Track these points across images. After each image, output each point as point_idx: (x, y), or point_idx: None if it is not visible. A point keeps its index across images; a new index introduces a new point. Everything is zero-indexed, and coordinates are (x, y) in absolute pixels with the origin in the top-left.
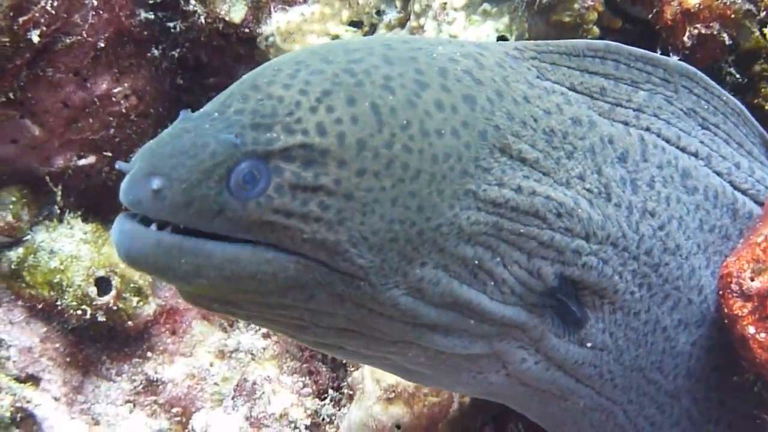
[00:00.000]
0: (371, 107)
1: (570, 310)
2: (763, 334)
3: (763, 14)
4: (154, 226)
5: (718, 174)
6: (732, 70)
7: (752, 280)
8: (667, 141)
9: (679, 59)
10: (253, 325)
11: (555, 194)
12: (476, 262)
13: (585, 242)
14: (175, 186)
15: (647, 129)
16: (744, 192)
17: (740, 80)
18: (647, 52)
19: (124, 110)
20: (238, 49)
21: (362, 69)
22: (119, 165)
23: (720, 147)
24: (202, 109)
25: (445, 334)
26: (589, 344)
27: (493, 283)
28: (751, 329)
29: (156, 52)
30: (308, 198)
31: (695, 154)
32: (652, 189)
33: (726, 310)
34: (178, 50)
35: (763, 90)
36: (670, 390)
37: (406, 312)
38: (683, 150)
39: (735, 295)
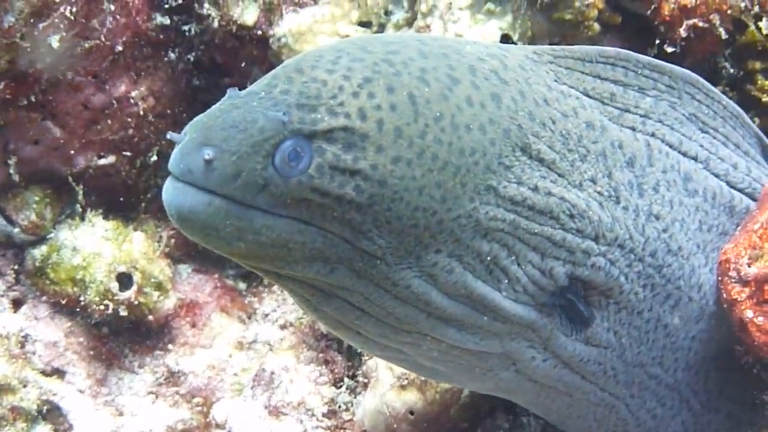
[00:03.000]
0: (408, 97)
1: (578, 310)
2: (761, 318)
3: (757, 8)
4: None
5: (716, 175)
6: (727, 64)
7: (749, 266)
8: (670, 146)
9: (676, 52)
10: (270, 317)
11: (569, 195)
12: (490, 258)
13: (595, 243)
14: (226, 157)
15: (653, 134)
16: (741, 191)
17: (736, 73)
18: (654, 59)
19: (141, 111)
20: (252, 51)
21: (400, 60)
22: (171, 135)
23: (718, 149)
24: (247, 89)
25: (458, 329)
26: (594, 343)
27: (507, 281)
28: (749, 313)
29: (172, 55)
30: (345, 181)
31: (695, 158)
32: (657, 193)
33: (725, 296)
34: (193, 53)
35: (759, 82)
36: (671, 383)
37: (418, 296)
38: (684, 154)
39: (733, 280)
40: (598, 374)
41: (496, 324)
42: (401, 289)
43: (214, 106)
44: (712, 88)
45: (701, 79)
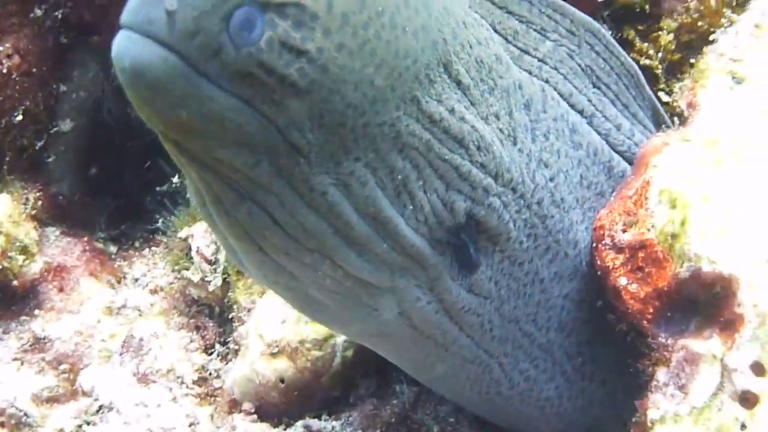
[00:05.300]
0: None
1: (467, 253)
2: (634, 285)
3: None
4: None
5: (599, 133)
6: (606, 25)
7: (624, 232)
8: (561, 95)
9: None
10: (140, 282)
11: (478, 126)
12: (401, 177)
13: (494, 182)
14: (188, 12)
15: (547, 81)
16: (620, 153)
17: (614, 35)
18: (558, 0)
19: (6, 70)
20: (121, 8)
21: None
22: None
23: (606, 107)
24: None
25: (358, 254)
26: (476, 291)
27: (411, 207)
28: (623, 280)
29: (39, 12)
30: (292, 60)
31: (581, 112)
32: (548, 140)
33: (599, 262)
34: (61, 10)
35: (636, 45)
36: (543, 343)
37: (331, 207)
38: (572, 107)
39: (608, 247)
40: (476, 327)
41: (393, 254)
42: (316, 195)
43: None
44: (613, 41)
45: (603, 30)
